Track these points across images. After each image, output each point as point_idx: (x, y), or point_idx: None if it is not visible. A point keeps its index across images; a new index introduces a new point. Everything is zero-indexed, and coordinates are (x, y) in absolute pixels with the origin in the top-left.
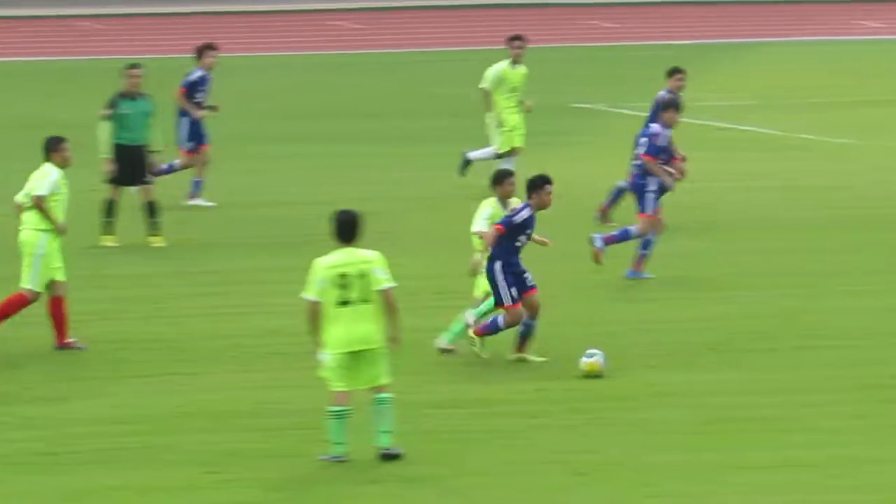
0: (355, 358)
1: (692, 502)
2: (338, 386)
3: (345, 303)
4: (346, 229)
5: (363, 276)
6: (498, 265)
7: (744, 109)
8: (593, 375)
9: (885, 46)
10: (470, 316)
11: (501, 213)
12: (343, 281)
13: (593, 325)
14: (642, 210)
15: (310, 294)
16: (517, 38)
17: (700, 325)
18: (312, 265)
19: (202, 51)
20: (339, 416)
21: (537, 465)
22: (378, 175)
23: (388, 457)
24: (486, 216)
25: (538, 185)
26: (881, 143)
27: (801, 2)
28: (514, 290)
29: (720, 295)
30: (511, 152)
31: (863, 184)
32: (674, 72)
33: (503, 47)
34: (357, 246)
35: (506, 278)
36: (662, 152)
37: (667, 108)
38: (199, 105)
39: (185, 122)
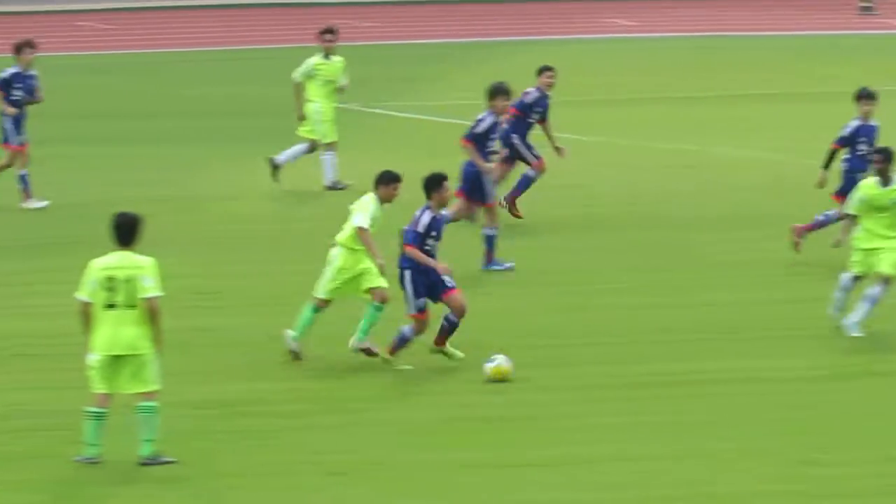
0: (118, 362)
1: (451, 501)
2: (98, 388)
3: (111, 306)
4: (121, 232)
5: (130, 281)
6: (408, 274)
7: None
8: (500, 379)
9: (635, 44)
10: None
11: (379, 214)
12: (110, 284)
13: (348, 325)
14: (484, 200)
15: (82, 294)
16: (329, 30)
17: (464, 323)
18: (88, 265)
19: (20, 48)
20: (96, 417)
21: (292, 465)
22: (131, 176)
23: (150, 465)
24: (370, 213)
25: (437, 182)
26: (632, 143)
27: (553, 0)
28: (421, 301)
29: (485, 292)
30: (314, 145)
31: (615, 182)
32: (543, 70)
33: (260, 46)
34: (134, 250)
35: (415, 288)
36: (485, 139)
37: (495, 96)
38: (15, 103)
39: (8, 119)
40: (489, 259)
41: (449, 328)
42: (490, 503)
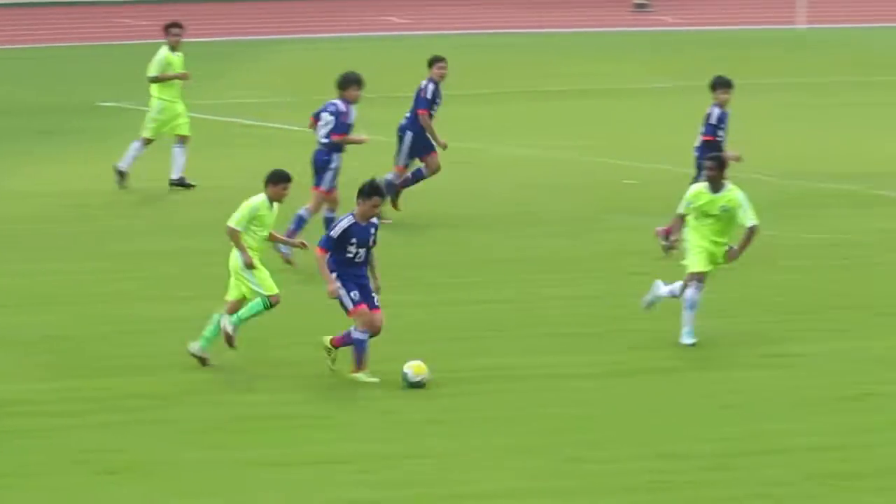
0: None
1: (223, 500)
2: None
3: None
4: None
5: None
6: (333, 276)
7: (271, 106)
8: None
9: (409, 42)
10: (227, 322)
11: (268, 213)
12: None
13: (125, 324)
14: (318, 184)
15: None
16: (176, 25)
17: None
18: None
19: None
20: None
21: (67, 464)
22: None
23: None
24: (249, 213)
25: (365, 193)
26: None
27: None
28: (354, 294)
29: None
30: (182, 139)
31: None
32: (435, 60)
33: (13, 46)
34: None
35: (344, 284)
36: (351, 128)
37: (348, 86)
38: None
39: None
40: (289, 234)
41: (351, 341)
42: (276, 501)
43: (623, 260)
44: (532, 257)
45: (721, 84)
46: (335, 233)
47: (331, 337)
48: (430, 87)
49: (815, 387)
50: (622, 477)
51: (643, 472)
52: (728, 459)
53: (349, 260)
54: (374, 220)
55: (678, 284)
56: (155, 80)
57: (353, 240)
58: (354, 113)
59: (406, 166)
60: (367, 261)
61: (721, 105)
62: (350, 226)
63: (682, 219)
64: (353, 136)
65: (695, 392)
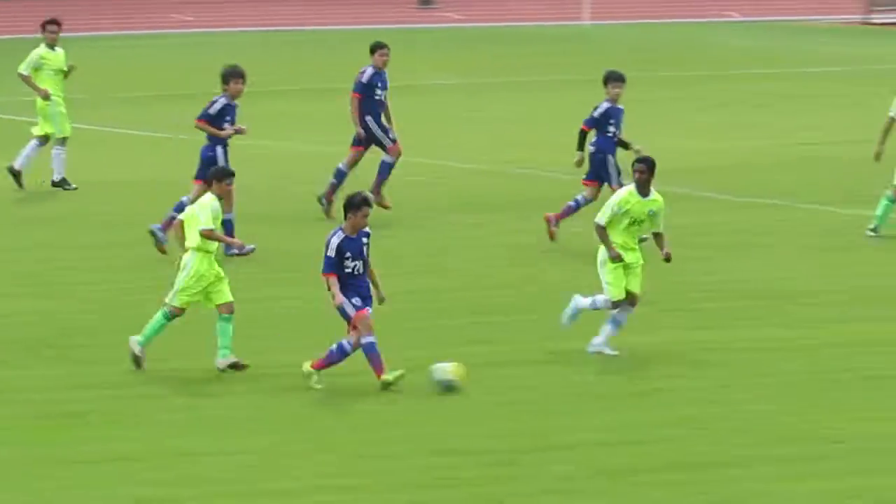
0: None
1: (28, 498)
2: None
3: None
4: None
5: None
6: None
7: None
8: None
9: (197, 39)
10: (134, 343)
11: (220, 209)
12: None
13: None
14: (201, 177)
15: None
16: (53, 22)
17: (28, 318)
18: None
19: None
20: None
21: None
22: None
23: None
24: (210, 213)
25: (355, 205)
26: (195, 137)
27: None
28: (356, 300)
29: (48, 290)
30: (55, 139)
31: (188, 178)
32: (377, 47)
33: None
34: None
35: (345, 294)
36: (220, 120)
37: (228, 80)
38: None
39: None
40: (168, 221)
41: (339, 356)
42: (69, 499)
43: (411, 259)
44: (317, 254)
45: (613, 78)
46: (331, 252)
47: (310, 362)
48: (369, 71)
49: (600, 382)
50: (407, 473)
51: (427, 469)
52: (515, 455)
53: (349, 275)
54: (366, 229)
55: (600, 298)
56: (23, 78)
57: (348, 254)
58: (223, 102)
59: (394, 141)
60: (367, 271)
61: (613, 100)
62: (341, 241)
63: (602, 230)
64: (216, 130)
65: (478, 388)
